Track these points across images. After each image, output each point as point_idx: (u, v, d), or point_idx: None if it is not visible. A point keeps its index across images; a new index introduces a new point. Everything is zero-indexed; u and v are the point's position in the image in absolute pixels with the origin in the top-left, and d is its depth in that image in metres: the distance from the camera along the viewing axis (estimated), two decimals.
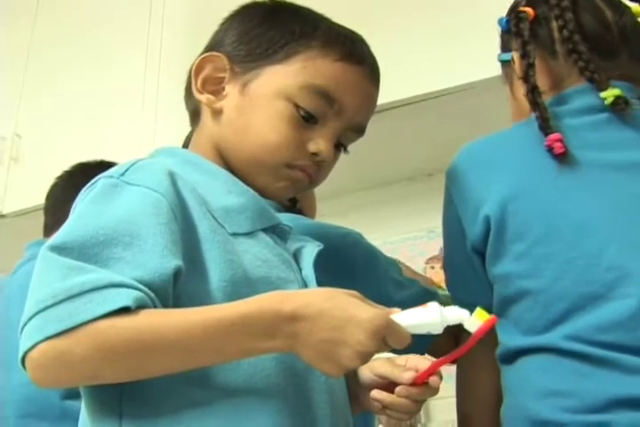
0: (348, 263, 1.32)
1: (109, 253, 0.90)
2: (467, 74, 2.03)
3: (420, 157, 2.43)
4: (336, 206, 2.26)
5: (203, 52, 1.19)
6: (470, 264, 1.23)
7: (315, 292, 0.96)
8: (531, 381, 1.11)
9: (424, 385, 1.04)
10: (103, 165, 1.79)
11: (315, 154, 1.12)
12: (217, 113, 1.15)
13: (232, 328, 0.88)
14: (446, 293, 1.35)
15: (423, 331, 0.95)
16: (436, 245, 2.45)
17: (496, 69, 1.79)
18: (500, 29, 1.40)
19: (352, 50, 1.16)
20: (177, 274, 0.92)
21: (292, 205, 1.47)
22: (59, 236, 0.92)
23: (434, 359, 1.06)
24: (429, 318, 0.95)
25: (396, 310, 0.94)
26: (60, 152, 2.43)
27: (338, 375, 0.94)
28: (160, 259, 0.90)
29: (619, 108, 1.19)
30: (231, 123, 1.14)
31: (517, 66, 1.30)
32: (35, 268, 0.92)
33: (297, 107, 1.11)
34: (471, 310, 1.19)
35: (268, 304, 0.90)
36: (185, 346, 0.87)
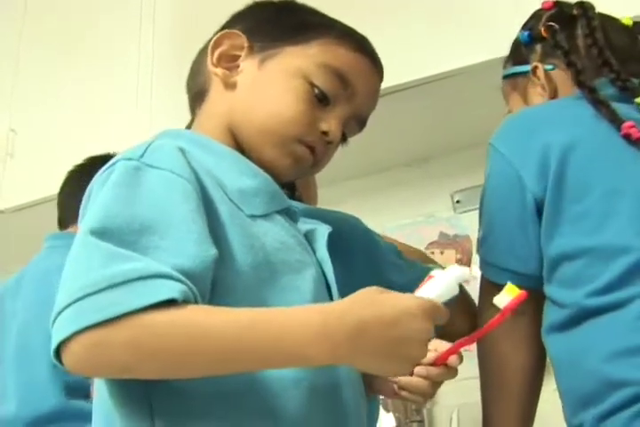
0: (347, 247, 1.31)
1: (147, 242, 0.88)
2: (462, 58, 2.02)
3: (416, 143, 2.42)
4: (334, 193, 2.25)
5: (220, 30, 1.22)
6: (523, 228, 1.26)
7: (348, 300, 0.91)
8: (601, 343, 1.13)
9: (443, 366, 1.03)
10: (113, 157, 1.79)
11: (325, 133, 1.15)
12: (230, 87, 1.17)
13: (277, 335, 0.85)
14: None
15: (446, 298, 0.95)
16: (435, 230, 2.45)
17: (491, 53, 1.80)
18: (519, 41, 1.48)
19: (365, 46, 1.22)
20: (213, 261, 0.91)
21: (291, 193, 1.47)
22: (95, 220, 0.90)
23: (446, 343, 1.06)
24: (444, 284, 0.94)
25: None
26: (56, 146, 2.43)
27: (405, 374, 0.94)
28: (197, 246, 0.89)
29: None
30: (245, 95, 1.16)
31: (542, 73, 1.40)
32: (71, 253, 0.89)
33: (312, 86, 1.14)
34: (515, 278, 1.22)
35: (315, 309, 0.89)
36: (226, 348, 0.85)
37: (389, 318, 0.87)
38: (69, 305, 0.83)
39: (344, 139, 1.22)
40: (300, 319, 0.87)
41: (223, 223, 0.99)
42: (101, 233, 0.88)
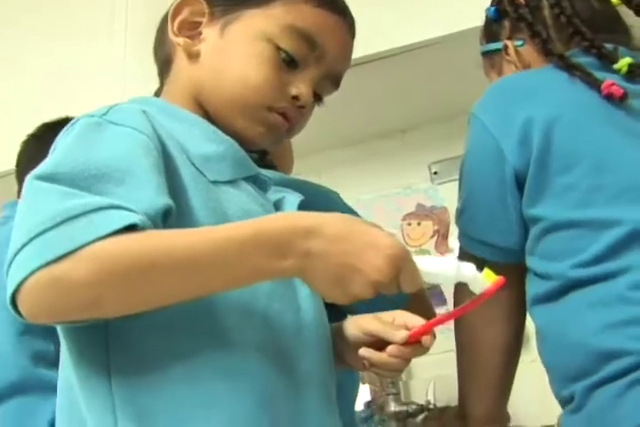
0: None
1: (101, 188, 0.85)
2: (438, 27, 2.00)
3: (393, 114, 2.40)
4: (310, 164, 2.23)
5: None
6: (502, 201, 1.25)
7: (332, 214, 0.91)
8: (590, 314, 1.12)
9: (416, 344, 1.01)
10: (68, 121, 1.75)
11: (295, 98, 1.12)
12: (193, 57, 1.13)
13: (245, 245, 0.84)
14: None
15: (434, 281, 0.93)
16: (412, 201, 2.44)
17: (468, 23, 1.78)
18: (488, 18, 1.47)
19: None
20: (167, 213, 0.88)
21: (262, 158, 1.45)
22: (45, 167, 0.87)
23: (419, 317, 1.04)
24: (445, 268, 0.92)
25: None
26: (20, 118, 2.38)
27: (345, 303, 0.91)
28: (154, 196, 0.87)
29: (634, 74, 1.27)
30: (210, 65, 1.12)
31: (512, 51, 1.39)
32: (20, 201, 0.87)
33: (278, 49, 1.10)
34: (494, 251, 1.20)
35: (283, 220, 0.88)
36: (193, 265, 0.83)
37: (356, 245, 0.87)
38: (25, 244, 0.80)
39: (319, 99, 1.19)
40: (268, 225, 0.87)
41: (185, 186, 0.97)
42: (52, 178, 0.85)
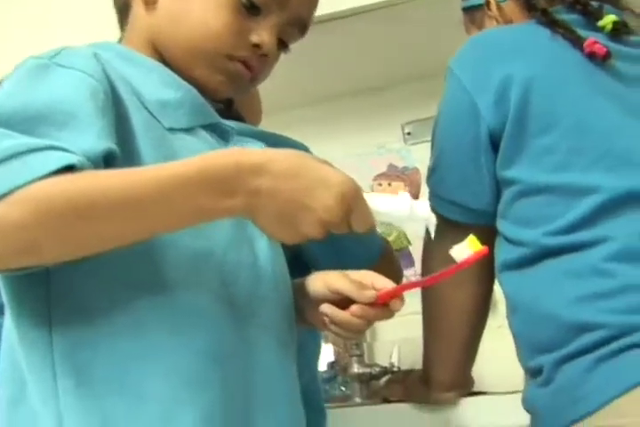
0: None
1: (43, 131, 0.82)
2: None
3: (368, 71, 2.37)
4: (280, 121, 2.19)
5: None
6: (475, 160, 1.22)
7: (281, 150, 0.89)
8: (564, 286, 1.10)
9: (382, 306, 0.98)
10: None
11: (257, 46, 1.08)
12: (150, 3, 1.09)
13: (189, 183, 0.81)
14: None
15: (386, 219, 0.90)
16: (384, 161, 2.41)
17: None
18: None
19: None
20: (110, 156, 0.85)
21: (228, 108, 1.41)
22: None
23: (388, 279, 1.00)
24: (399, 207, 0.90)
25: None
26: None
27: (292, 242, 0.89)
28: (97, 139, 0.84)
29: (619, 32, 1.24)
30: (167, 12, 1.08)
31: (494, 6, 1.36)
32: None
33: None
34: (463, 213, 1.19)
35: (231, 157, 0.84)
36: (134, 205, 0.80)
37: (306, 181, 0.85)
38: None
39: (285, 46, 1.15)
40: (213, 162, 0.84)
41: (135, 132, 0.93)
42: None
